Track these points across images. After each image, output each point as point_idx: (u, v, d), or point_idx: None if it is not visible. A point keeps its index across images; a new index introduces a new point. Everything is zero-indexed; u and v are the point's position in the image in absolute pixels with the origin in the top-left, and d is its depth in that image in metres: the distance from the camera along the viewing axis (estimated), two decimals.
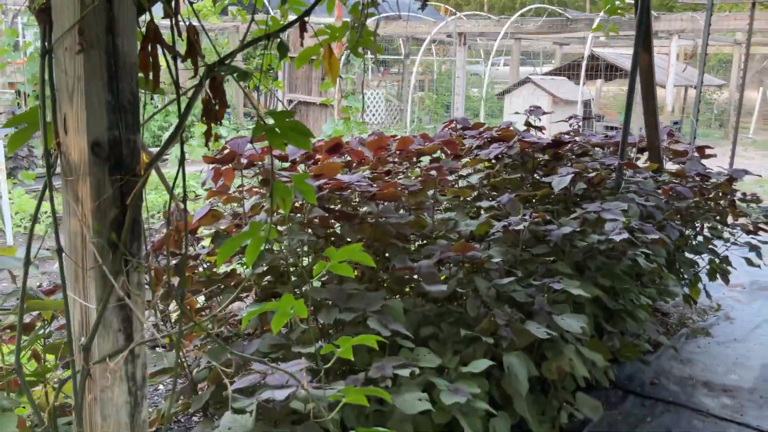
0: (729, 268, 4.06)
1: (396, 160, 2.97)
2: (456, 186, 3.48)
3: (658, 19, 8.41)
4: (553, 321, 2.47)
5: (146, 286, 1.52)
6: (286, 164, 2.74)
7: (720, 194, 4.00)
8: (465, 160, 3.56)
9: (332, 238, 2.60)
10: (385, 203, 2.65)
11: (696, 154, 3.87)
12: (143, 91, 1.28)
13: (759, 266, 3.84)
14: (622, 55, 14.34)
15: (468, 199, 3.46)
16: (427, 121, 15.52)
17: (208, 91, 1.30)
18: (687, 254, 3.82)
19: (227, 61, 1.34)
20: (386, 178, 2.92)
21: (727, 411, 3.16)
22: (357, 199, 2.71)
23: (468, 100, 17.30)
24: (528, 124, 3.90)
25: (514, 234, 2.80)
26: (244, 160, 2.42)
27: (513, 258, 2.81)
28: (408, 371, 1.98)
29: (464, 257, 2.52)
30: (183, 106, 1.25)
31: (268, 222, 1.49)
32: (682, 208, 3.64)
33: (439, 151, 3.04)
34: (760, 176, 4.23)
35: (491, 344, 2.31)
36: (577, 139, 3.74)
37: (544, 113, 3.91)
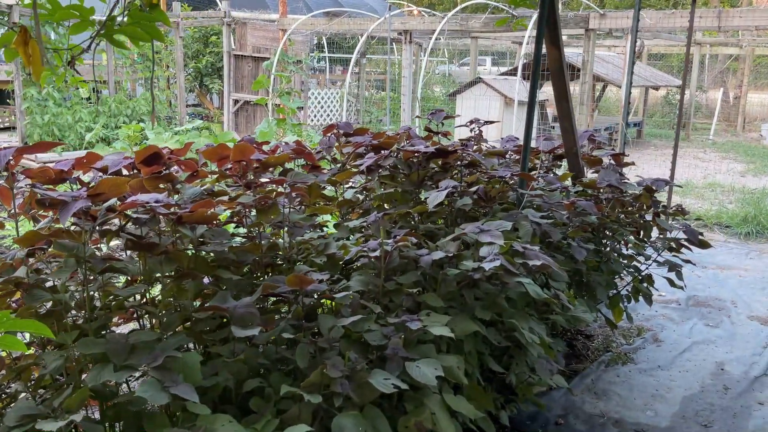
0: (655, 287, 3.70)
1: (251, 173, 2.52)
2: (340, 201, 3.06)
3: (605, 16, 8.06)
4: (410, 368, 2.05)
5: None
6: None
7: (644, 207, 3.63)
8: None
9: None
10: (212, 226, 2.21)
11: (612, 161, 3.49)
12: None
13: (682, 288, 3.47)
14: (581, 54, 14.03)
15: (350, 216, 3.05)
16: (387, 121, 15.08)
17: None
18: (604, 274, 3.43)
19: None
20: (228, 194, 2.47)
21: None
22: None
23: (427, 101, 16.93)
24: (428, 129, 3.48)
25: (377, 260, 2.37)
26: (21, 176, 1.96)
27: (377, 289, 2.38)
28: None
29: (301, 291, 2.09)
30: None
31: None
32: (594, 224, 3.25)
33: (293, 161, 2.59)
34: (681, 187, 3.86)
35: (320, 402, 1.87)
36: (481, 146, 3.33)
37: (447, 117, 3.50)
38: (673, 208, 3.60)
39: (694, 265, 3.69)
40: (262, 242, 2.43)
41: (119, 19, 1.74)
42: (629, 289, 3.62)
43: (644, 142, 14.80)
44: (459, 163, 2.88)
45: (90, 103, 10.17)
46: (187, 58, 14.92)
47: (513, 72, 13.38)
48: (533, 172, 3.74)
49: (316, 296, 2.24)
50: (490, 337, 2.51)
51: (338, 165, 3.26)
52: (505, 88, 10.60)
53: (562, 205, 2.99)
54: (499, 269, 2.27)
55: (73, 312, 2.16)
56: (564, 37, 12.25)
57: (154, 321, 2.36)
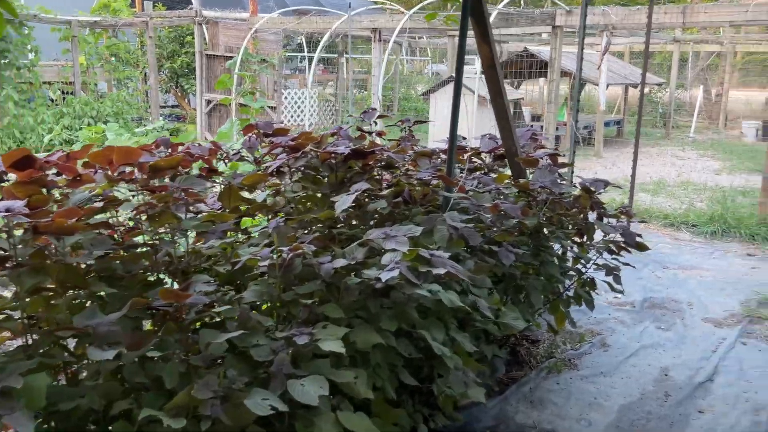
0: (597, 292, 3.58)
1: (143, 176, 2.37)
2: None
3: (571, 13, 7.95)
4: (292, 387, 1.91)
5: None
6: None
7: (585, 208, 3.50)
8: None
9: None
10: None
11: (549, 162, 3.36)
12: None
13: (622, 292, 3.35)
14: (565, 53, 13.92)
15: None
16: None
17: None
18: (542, 279, 3.30)
19: None
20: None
21: None
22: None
23: (408, 101, 16.81)
24: (360, 129, 3.35)
25: (277, 269, 2.23)
26: None
27: (274, 299, 2.24)
28: None
29: (180, 304, 1.95)
30: None
31: None
32: (530, 227, 3.13)
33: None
34: (620, 187, 3.74)
35: (184, 427, 1.73)
36: (406, 147, 3.20)
37: (380, 116, 3.37)
38: (619, 210, 3.49)
39: (634, 267, 3.57)
40: (158, 252, 2.29)
41: None
42: (570, 293, 3.49)
43: (625, 141, 14.72)
44: (380, 164, 2.75)
45: (56, 104, 9.98)
46: (163, 59, 14.74)
47: None
48: (475, 173, 3.61)
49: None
50: (399, 348, 2.38)
51: (262, 166, 3.13)
52: (481, 86, 10.47)
53: (485, 209, 2.86)
54: (401, 279, 2.13)
55: None
56: (544, 36, 12.03)
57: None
